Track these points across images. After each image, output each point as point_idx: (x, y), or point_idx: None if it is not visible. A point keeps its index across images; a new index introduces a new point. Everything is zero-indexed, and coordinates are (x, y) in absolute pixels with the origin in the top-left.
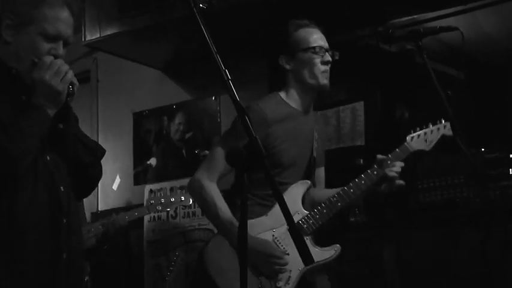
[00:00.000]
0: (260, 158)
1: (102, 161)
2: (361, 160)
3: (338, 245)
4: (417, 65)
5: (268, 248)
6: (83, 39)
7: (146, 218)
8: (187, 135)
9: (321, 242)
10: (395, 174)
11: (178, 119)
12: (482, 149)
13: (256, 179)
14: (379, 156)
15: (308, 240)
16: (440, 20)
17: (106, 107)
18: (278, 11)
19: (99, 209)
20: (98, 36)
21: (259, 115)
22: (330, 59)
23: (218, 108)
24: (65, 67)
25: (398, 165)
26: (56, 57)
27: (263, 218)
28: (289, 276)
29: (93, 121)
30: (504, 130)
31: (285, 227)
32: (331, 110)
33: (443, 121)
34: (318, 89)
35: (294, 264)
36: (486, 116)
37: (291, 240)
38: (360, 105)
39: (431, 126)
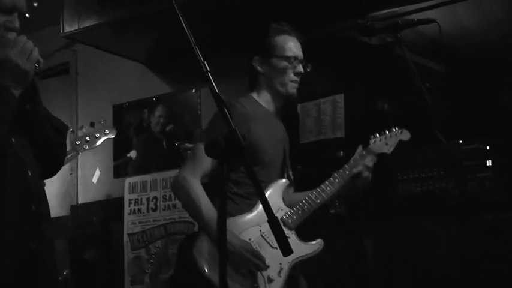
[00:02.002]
0: (239, 149)
1: (82, 154)
2: (341, 152)
3: (321, 240)
4: (397, 57)
5: (247, 248)
6: (61, 31)
7: (126, 210)
8: (168, 128)
9: (305, 235)
10: (360, 169)
11: (159, 111)
12: (461, 141)
13: (236, 177)
14: (357, 152)
15: (293, 235)
16: (421, 12)
17: (86, 100)
18: (260, 3)
19: (79, 202)
20: (77, 28)
21: (240, 110)
22: (302, 70)
23: (199, 100)
24: (30, 44)
25: (365, 162)
26: (12, 30)
27: (248, 214)
28: (281, 268)
29: (73, 114)
30: (482, 122)
31: None
32: (311, 102)
33: (401, 129)
34: (285, 97)
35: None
36: (465, 108)
37: None
38: (340, 98)
39: (388, 132)
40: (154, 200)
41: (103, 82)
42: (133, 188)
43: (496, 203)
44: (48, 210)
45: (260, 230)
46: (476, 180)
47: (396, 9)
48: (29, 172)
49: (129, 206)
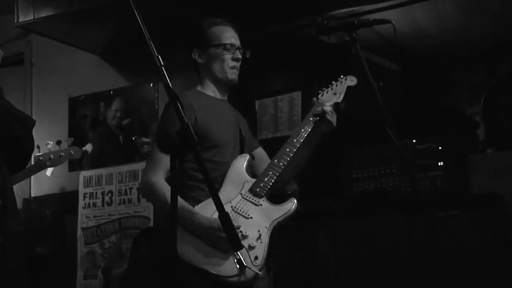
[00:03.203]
0: (192, 145)
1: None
2: None
3: (293, 199)
4: (354, 56)
5: (214, 228)
6: (15, 20)
7: (81, 204)
8: (125, 122)
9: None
10: (325, 110)
11: (116, 105)
12: (414, 140)
13: (191, 167)
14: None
15: (265, 201)
16: (379, 12)
17: (41, 91)
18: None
19: (32, 195)
20: (32, 18)
21: (185, 101)
22: (239, 56)
23: (156, 95)
24: None
25: (328, 105)
26: None
27: None
28: (260, 234)
29: (27, 105)
30: (435, 122)
31: (239, 196)
32: (269, 99)
33: (346, 76)
34: (226, 83)
35: (261, 223)
36: (419, 108)
37: (251, 205)
38: (297, 95)
39: (334, 82)
40: (110, 194)
41: (59, 74)
42: (88, 182)
43: (447, 201)
44: (15, 203)
45: (231, 206)
46: (428, 178)
47: (355, 8)
48: None
49: (84, 200)
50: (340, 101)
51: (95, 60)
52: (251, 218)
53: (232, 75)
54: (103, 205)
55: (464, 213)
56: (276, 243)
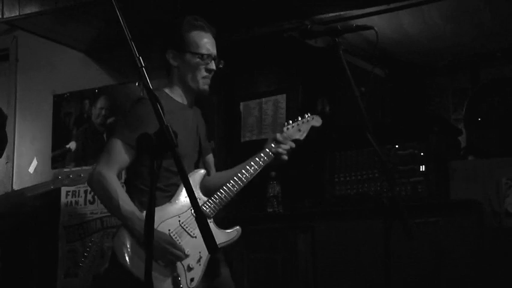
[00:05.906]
0: (171, 146)
1: (19, 143)
2: None
3: (239, 228)
4: (337, 61)
5: (165, 239)
6: (0, 16)
7: (63, 202)
8: (109, 120)
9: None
10: (283, 151)
11: (101, 103)
12: (396, 146)
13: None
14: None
15: (211, 223)
16: (367, 17)
17: (25, 87)
18: None
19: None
20: (17, 14)
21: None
22: (214, 67)
23: (142, 94)
24: None
25: (288, 144)
26: None
27: (167, 205)
28: (200, 257)
29: (11, 101)
30: (418, 127)
31: (189, 211)
32: (254, 101)
33: (310, 114)
34: (197, 92)
35: (204, 245)
36: (403, 113)
37: None
38: (282, 98)
39: (300, 118)
40: (92, 193)
41: (44, 70)
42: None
43: (426, 207)
44: None
45: (179, 221)
46: (409, 184)
47: (342, 13)
48: None
49: (66, 198)
50: (302, 139)
51: (80, 58)
52: (195, 237)
53: (205, 85)
54: (85, 203)
55: (443, 220)
56: (255, 244)
